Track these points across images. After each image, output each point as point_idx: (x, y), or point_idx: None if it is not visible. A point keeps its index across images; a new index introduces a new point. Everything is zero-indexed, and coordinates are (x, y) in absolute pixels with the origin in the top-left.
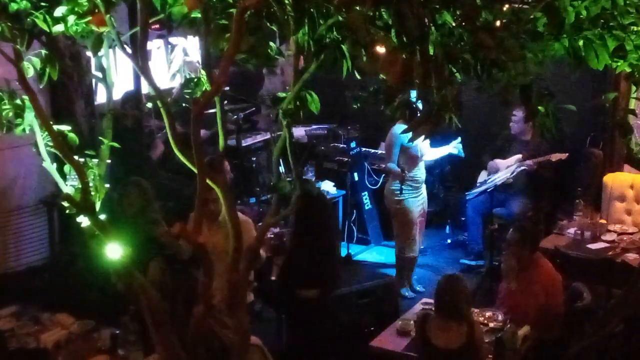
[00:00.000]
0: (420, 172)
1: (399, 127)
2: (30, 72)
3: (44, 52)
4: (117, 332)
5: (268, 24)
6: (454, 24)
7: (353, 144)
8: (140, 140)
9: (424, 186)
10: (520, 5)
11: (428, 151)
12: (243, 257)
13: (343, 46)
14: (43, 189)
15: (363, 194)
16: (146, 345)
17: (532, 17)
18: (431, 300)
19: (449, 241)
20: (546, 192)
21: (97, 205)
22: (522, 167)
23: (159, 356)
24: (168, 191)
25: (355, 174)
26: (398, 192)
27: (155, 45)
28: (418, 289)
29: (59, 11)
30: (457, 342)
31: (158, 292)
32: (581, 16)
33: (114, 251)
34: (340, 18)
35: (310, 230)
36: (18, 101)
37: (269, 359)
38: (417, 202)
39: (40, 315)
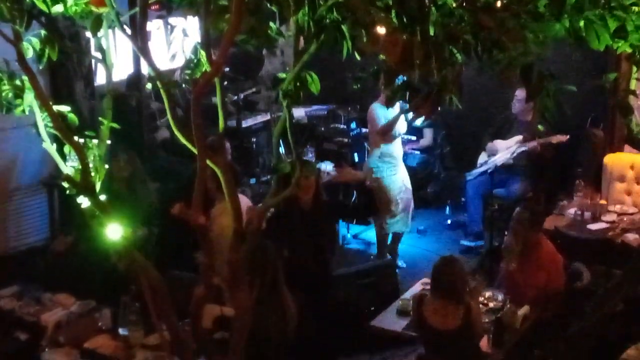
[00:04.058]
0: (396, 149)
1: (377, 106)
2: (29, 53)
3: (43, 32)
4: (118, 311)
5: (268, 4)
6: (454, 5)
7: (353, 125)
8: (140, 122)
9: (402, 165)
10: None
11: (403, 126)
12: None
13: (343, 27)
14: (43, 170)
15: None
16: (147, 324)
17: None
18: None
19: (448, 222)
20: (546, 173)
21: (97, 186)
22: (523, 148)
23: (159, 335)
24: (167, 172)
25: (356, 155)
26: (376, 169)
27: (154, 26)
28: (399, 264)
29: None
30: (454, 324)
31: None
32: None
33: (114, 231)
34: None
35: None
36: (17, 82)
37: None
38: (397, 179)
39: (41, 295)
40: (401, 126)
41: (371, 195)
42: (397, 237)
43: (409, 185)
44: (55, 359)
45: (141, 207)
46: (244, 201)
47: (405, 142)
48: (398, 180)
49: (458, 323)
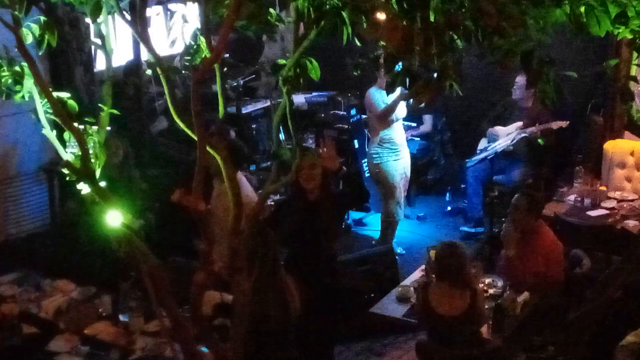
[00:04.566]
0: (396, 134)
1: (375, 90)
2: (29, 39)
3: (42, 18)
4: (118, 298)
5: None
6: None
7: (353, 111)
8: (140, 108)
9: (406, 151)
10: None
11: (402, 110)
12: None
13: (343, 13)
14: (43, 156)
15: (363, 161)
16: (147, 311)
17: None
18: None
19: (449, 208)
20: (546, 159)
21: (97, 172)
22: (523, 135)
23: (159, 322)
24: (167, 158)
25: (356, 141)
26: (376, 155)
27: (154, 12)
28: (398, 251)
29: None
30: (460, 309)
31: None
32: None
33: (114, 218)
34: None
35: None
36: (17, 68)
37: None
38: (398, 165)
39: (42, 281)
40: (400, 110)
41: (357, 182)
42: (395, 225)
43: (409, 174)
44: (56, 346)
45: (134, 194)
46: (243, 182)
47: (405, 129)
48: (399, 166)
49: (465, 307)
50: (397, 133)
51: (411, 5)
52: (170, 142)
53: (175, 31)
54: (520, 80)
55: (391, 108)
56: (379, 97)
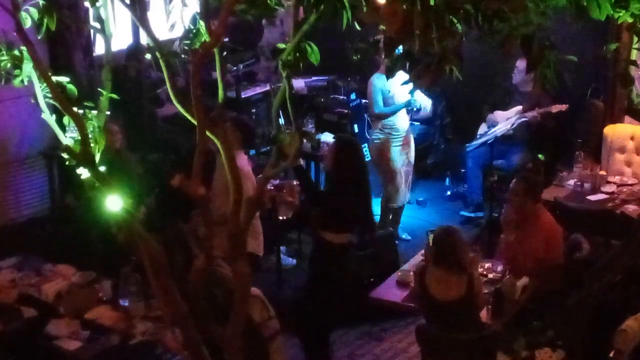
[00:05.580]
0: (399, 122)
1: (378, 76)
2: (28, 23)
3: (41, 2)
4: (119, 282)
5: None
6: None
7: (353, 96)
8: (140, 92)
9: (410, 137)
10: None
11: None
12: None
13: None
14: (42, 141)
15: (363, 145)
16: (147, 295)
17: None
18: None
19: (448, 193)
20: (546, 144)
21: (97, 157)
22: (523, 119)
23: (159, 306)
24: (167, 143)
25: (355, 126)
26: (377, 140)
27: None
28: (404, 237)
29: None
30: (456, 293)
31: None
32: None
33: (114, 202)
34: None
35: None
36: (16, 52)
37: (270, 310)
38: (398, 151)
39: (42, 266)
40: (403, 97)
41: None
42: (398, 210)
43: (412, 159)
44: (56, 330)
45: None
46: (242, 161)
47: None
48: (403, 152)
49: (461, 293)
50: (400, 120)
51: None
52: (173, 127)
53: (174, 15)
54: (521, 64)
55: (385, 116)
56: (380, 85)
